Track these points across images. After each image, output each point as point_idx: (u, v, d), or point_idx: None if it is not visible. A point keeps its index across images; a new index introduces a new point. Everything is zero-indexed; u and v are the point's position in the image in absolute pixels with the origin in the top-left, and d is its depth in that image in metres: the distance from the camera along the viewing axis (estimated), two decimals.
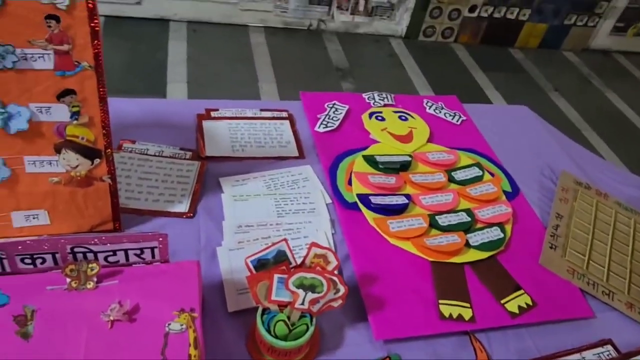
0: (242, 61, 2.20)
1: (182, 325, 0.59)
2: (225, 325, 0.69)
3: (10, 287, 0.59)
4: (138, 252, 0.63)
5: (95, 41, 0.62)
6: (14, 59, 0.60)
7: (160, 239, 0.63)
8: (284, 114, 1.06)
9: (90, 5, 0.60)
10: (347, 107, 1.11)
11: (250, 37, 2.37)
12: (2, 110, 0.63)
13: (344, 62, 2.38)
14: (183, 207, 0.81)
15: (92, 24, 0.61)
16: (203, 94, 1.88)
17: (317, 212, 0.85)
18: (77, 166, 0.69)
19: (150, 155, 0.88)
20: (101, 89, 0.65)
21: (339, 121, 1.06)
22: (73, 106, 0.65)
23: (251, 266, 0.66)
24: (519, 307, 0.77)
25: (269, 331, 0.64)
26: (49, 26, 0.60)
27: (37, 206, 0.70)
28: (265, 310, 0.66)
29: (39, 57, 0.61)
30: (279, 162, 0.95)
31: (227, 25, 2.40)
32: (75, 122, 0.66)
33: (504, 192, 0.98)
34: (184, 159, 0.89)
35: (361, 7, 2.53)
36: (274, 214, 0.83)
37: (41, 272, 0.61)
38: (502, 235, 0.87)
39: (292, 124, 1.04)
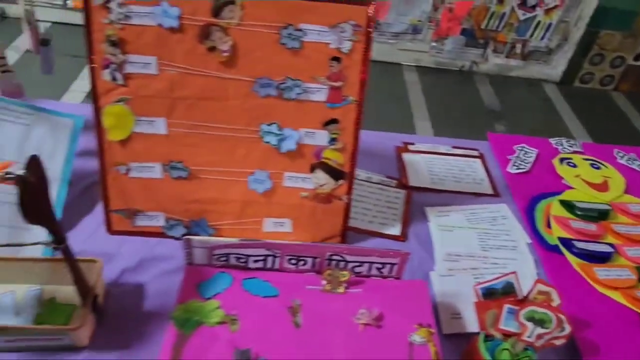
0: (397, 98, 2.30)
1: (422, 338, 0.65)
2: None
3: (278, 282, 0.69)
4: (380, 266, 0.71)
5: (363, 80, 0.73)
6: (299, 92, 0.73)
7: (402, 257, 0.70)
8: (475, 153, 1.11)
9: (366, 49, 0.71)
10: (536, 150, 1.13)
11: (404, 75, 2.47)
12: (279, 133, 0.75)
13: (496, 104, 2.38)
14: (396, 230, 0.88)
15: (364, 66, 0.72)
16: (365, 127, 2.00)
17: (519, 250, 0.88)
18: (323, 185, 0.79)
19: (361, 180, 0.98)
20: (358, 121, 0.75)
21: (530, 164, 1.08)
22: (333, 133, 0.76)
23: (480, 293, 0.71)
24: None
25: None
26: (331, 66, 0.71)
27: (284, 215, 0.81)
28: (486, 338, 0.70)
29: (317, 90, 0.73)
30: (474, 198, 0.99)
31: (383, 62, 2.53)
32: (332, 147, 0.77)
33: None
34: (391, 186, 0.98)
35: (517, 50, 2.52)
36: (478, 247, 0.87)
37: (300, 272, 0.71)
38: None
39: (484, 163, 1.08)
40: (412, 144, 1.11)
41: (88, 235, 0.81)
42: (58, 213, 0.80)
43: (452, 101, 2.35)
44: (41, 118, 0.80)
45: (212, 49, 0.70)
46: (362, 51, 0.71)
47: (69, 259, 0.63)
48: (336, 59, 0.71)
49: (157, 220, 0.80)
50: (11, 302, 0.72)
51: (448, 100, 2.35)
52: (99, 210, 0.86)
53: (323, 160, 0.77)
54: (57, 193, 0.80)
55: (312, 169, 0.78)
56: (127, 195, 0.78)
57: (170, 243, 0.82)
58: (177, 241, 0.82)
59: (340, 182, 0.79)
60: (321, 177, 0.79)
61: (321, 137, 0.76)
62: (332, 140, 0.76)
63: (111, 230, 0.81)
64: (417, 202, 0.96)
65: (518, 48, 2.51)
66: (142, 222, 0.80)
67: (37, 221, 0.55)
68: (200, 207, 0.80)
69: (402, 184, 0.99)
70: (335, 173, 0.78)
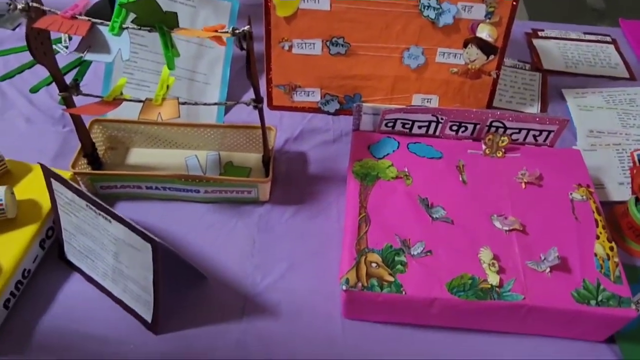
0: None
1: (582, 196, 0.70)
2: None
3: (440, 146, 0.75)
4: (537, 133, 0.75)
5: None
6: None
7: (561, 123, 0.73)
8: (608, 38, 1.08)
9: None
10: None
11: None
12: (438, 7, 0.77)
13: (600, 3, 2.23)
14: (534, 109, 0.91)
15: None
16: None
17: None
18: (474, 60, 0.82)
19: None
20: None
21: None
22: (490, 6, 0.77)
23: (636, 159, 0.74)
24: None
25: None
26: None
27: (432, 91, 0.85)
28: (637, 201, 0.73)
29: None
30: (610, 81, 0.99)
31: None
32: (487, 20, 0.78)
33: None
34: (525, 69, 0.99)
35: None
36: (619, 125, 0.89)
37: (459, 139, 0.76)
38: None
39: (617, 48, 1.06)
40: (542, 30, 1.09)
41: (250, 110, 0.89)
42: (224, 89, 0.88)
43: (550, 1, 2.22)
44: (204, 1, 0.86)
45: None
46: None
47: (261, 119, 0.70)
48: None
49: (314, 96, 0.87)
50: (197, 163, 0.82)
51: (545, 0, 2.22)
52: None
53: (477, 34, 0.79)
54: (222, 72, 0.87)
55: (466, 44, 0.81)
56: (289, 71, 0.84)
57: (324, 118, 0.89)
58: (330, 116, 0.89)
59: (492, 57, 0.81)
60: (473, 52, 0.81)
61: (478, 11, 0.77)
62: (489, 14, 0.78)
63: (271, 106, 0.88)
64: (553, 84, 0.97)
65: None
66: (299, 98, 0.87)
67: (252, 79, 0.62)
68: (355, 83, 0.85)
69: (536, 67, 0.99)
70: (487, 48, 0.80)
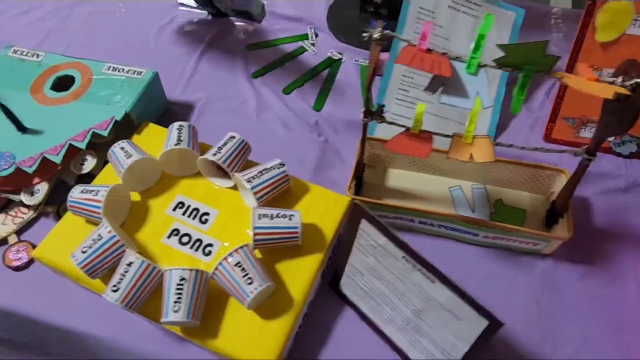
0: None
1: None
2: None
3: None
4: None
5: None
6: None
7: None
8: None
9: None
10: None
11: None
12: None
13: None
14: None
15: None
16: None
17: None
18: None
19: None
20: None
21: None
22: None
23: None
24: None
25: None
26: None
27: None
28: None
29: None
30: None
31: None
32: None
33: None
34: None
35: None
36: None
37: None
38: None
39: None
40: None
41: (522, 138, 0.78)
42: (496, 113, 0.78)
43: None
44: (487, 10, 0.76)
45: None
46: None
47: (578, 174, 0.60)
48: None
49: None
50: (462, 196, 0.74)
51: None
52: (526, 113, 0.82)
53: None
54: (496, 91, 0.78)
55: None
56: (585, 103, 0.72)
57: (614, 160, 0.76)
58: (622, 158, 0.75)
59: None
60: None
61: None
62: None
63: (549, 138, 0.77)
64: None
65: None
66: (587, 134, 0.75)
67: (615, 132, 0.52)
68: None
69: None
70: None
